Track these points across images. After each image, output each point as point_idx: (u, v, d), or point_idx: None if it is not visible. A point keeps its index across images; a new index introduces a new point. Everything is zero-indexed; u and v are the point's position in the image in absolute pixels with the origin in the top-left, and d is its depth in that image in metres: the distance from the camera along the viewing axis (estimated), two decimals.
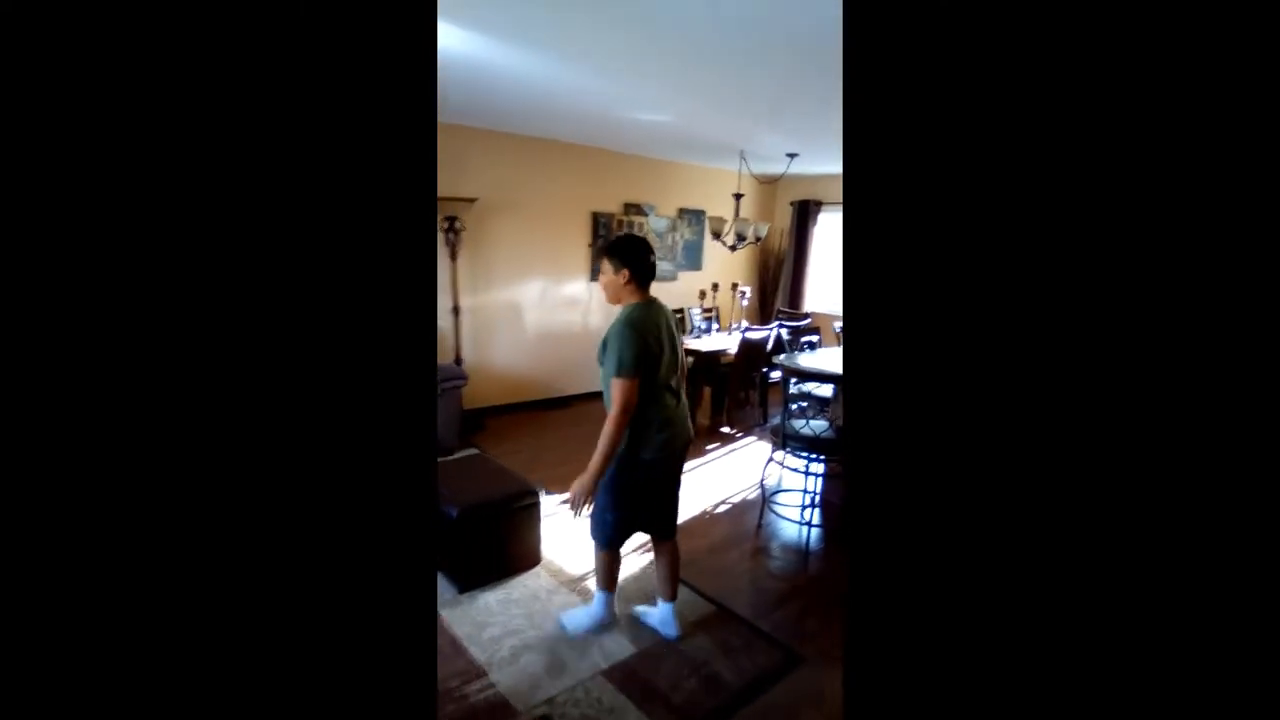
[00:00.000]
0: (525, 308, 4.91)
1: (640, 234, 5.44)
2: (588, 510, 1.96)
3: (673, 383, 2.02)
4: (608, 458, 1.89)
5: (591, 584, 2.28)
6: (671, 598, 2.24)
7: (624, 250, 1.94)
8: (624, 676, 2.02)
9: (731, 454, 4.20)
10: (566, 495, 1.96)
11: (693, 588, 2.54)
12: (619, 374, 1.84)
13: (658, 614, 2.28)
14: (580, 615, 2.27)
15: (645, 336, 1.88)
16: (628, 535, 2.12)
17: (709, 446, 4.32)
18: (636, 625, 2.28)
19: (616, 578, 2.25)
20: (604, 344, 1.92)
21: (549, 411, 4.96)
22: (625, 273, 1.93)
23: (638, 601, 2.42)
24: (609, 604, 2.26)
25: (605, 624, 2.26)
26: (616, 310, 2.00)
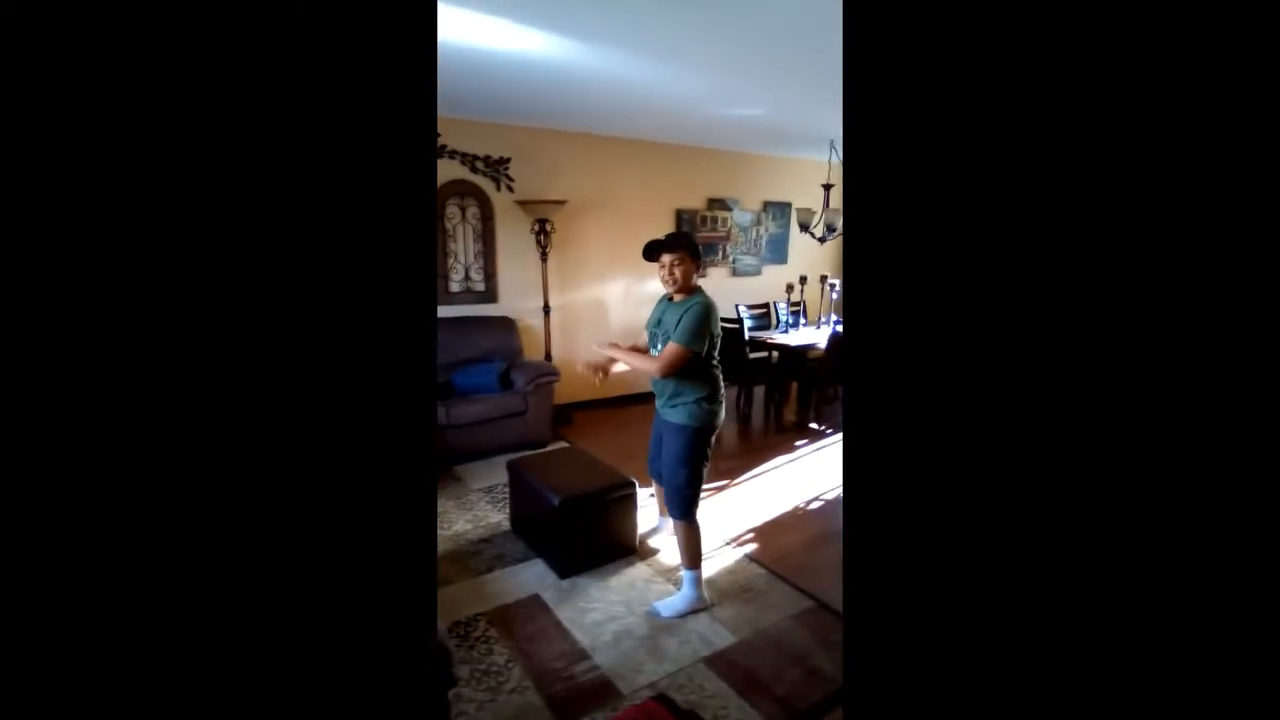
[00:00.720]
0: (610, 306, 5.01)
1: (723, 229, 5.46)
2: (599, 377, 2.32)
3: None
4: (630, 369, 2.23)
5: (695, 603, 2.36)
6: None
7: (695, 245, 2.20)
8: (725, 665, 2.04)
9: (821, 450, 4.12)
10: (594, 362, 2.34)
11: (790, 582, 2.53)
12: (689, 344, 2.07)
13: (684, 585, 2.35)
14: (674, 601, 2.32)
15: (716, 321, 2.17)
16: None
17: (798, 443, 4.26)
18: (737, 617, 2.30)
19: (701, 553, 2.32)
20: (679, 317, 2.11)
21: (631, 407, 5.04)
22: (698, 265, 2.19)
23: (733, 595, 2.44)
24: (699, 583, 2.32)
25: (699, 607, 2.30)
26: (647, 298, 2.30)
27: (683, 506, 2.26)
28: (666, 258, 2.14)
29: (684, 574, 2.33)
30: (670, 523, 2.42)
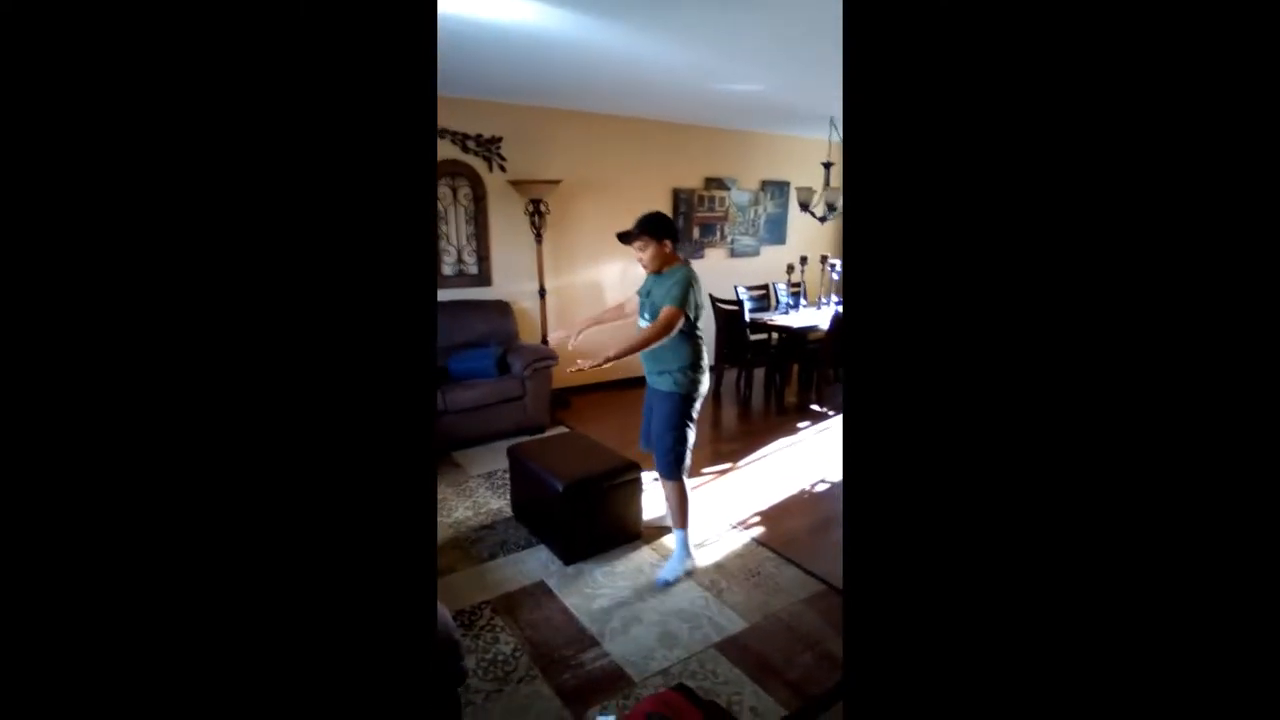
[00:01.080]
0: (606, 288, 4.92)
1: (721, 209, 5.37)
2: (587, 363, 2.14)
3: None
4: (631, 352, 2.17)
5: (687, 562, 2.49)
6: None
7: (660, 226, 2.25)
8: (738, 650, 2.00)
9: (824, 432, 4.08)
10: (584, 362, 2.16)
11: (798, 565, 2.49)
12: (679, 304, 2.16)
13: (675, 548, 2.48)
14: (673, 564, 2.43)
15: (700, 291, 2.27)
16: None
17: (800, 425, 4.21)
18: (747, 601, 2.26)
19: (688, 512, 2.44)
20: (667, 288, 2.21)
21: (628, 391, 4.95)
22: (667, 243, 2.26)
23: (742, 579, 2.40)
24: (688, 542, 2.45)
25: (691, 565, 2.44)
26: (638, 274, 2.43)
27: (673, 467, 2.35)
28: (634, 245, 2.27)
29: (675, 534, 2.45)
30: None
